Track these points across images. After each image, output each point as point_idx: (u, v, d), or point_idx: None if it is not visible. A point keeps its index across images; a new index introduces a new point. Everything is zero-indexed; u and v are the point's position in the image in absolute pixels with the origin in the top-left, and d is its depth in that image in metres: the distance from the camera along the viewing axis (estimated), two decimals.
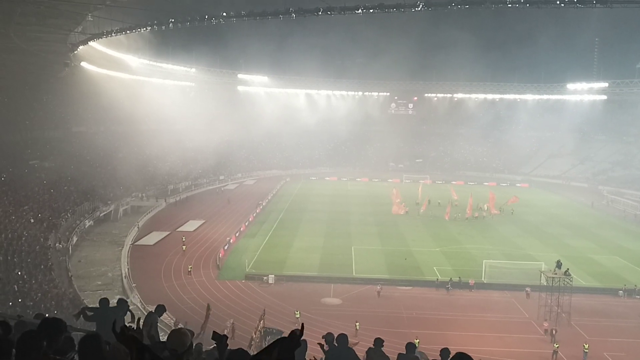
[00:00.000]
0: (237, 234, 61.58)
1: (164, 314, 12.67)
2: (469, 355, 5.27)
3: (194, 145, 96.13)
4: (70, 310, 32.42)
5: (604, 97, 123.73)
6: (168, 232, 62.87)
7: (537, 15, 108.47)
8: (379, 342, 10.22)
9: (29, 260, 40.35)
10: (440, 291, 44.62)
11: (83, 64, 74.44)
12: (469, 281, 45.42)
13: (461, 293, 44.23)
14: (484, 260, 48.54)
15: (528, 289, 43.01)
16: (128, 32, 56.24)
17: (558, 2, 42.78)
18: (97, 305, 10.44)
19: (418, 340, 31.11)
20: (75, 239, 53.87)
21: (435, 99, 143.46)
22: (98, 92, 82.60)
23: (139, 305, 38.48)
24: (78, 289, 40.41)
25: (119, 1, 47.86)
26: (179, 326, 35.12)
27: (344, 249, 56.40)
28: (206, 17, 49.29)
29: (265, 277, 46.06)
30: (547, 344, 34.32)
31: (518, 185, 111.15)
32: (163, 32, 64.54)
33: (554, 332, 35.53)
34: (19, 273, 37.07)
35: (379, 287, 43.37)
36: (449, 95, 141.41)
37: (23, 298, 32.21)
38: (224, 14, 48.88)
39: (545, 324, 36.97)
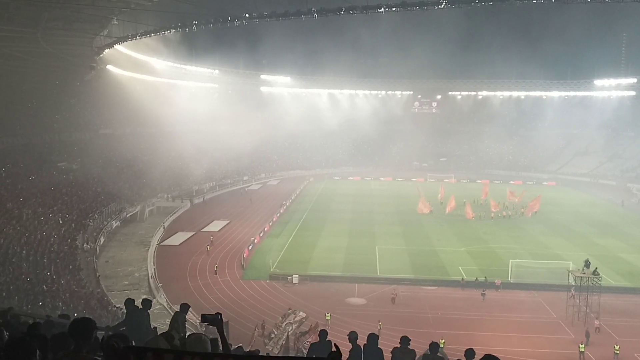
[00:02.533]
0: (261, 234, 61.83)
1: (190, 314, 12.77)
2: (496, 357, 5.18)
3: (218, 146, 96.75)
4: (98, 310, 32.94)
5: (633, 93, 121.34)
6: (193, 233, 63.41)
7: (563, 11, 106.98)
8: (405, 340, 10.17)
9: (57, 260, 41.10)
10: (466, 291, 44.13)
11: (109, 67, 75.52)
12: (495, 281, 44.87)
13: (487, 293, 43.62)
14: (510, 260, 47.95)
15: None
16: (152, 34, 56.91)
17: None
18: (124, 305, 10.63)
19: (444, 341, 30.93)
20: (102, 239, 54.66)
21: (460, 97, 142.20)
22: (124, 95, 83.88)
23: (165, 304, 38.92)
24: (105, 289, 40.99)
25: (143, 4, 48.30)
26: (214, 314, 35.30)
27: (368, 249, 56.23)
28: (229, 18, 49.56)
29: (289, 277, 46.14)
30: (575, 344, 33.67)
31: (545, 183, 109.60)
32: (187, 34, 65.33)
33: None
34: (48, 273, 37.77)
35: (393, 293, 42.07)
36: (473, 93, 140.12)
37: (52, 298, 32.76)
38: (247, 15, 49.05)
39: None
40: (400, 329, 32.23)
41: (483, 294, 42.71)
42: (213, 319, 5.46)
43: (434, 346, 10.31)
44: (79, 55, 62.68)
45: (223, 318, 5.51)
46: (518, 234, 63.86)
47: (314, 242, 59.40)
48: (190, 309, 11.18)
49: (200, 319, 5.59)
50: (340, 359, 3.71)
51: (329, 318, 36.50)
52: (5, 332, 5.43)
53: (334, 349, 3.91)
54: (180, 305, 10.77)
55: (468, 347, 9.56)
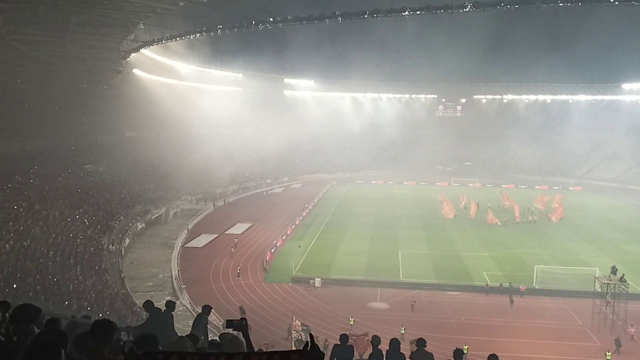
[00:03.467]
0: (283, 237, 61.94)
1: (212, 316, 12.80)
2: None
3: (241, 149, 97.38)
4: (123, 311, 33.30)
5: None
6: (216, 235, 63.80)
7: (591, 13, 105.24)
8: (421, 342, 10.02)
9: (83, 261, 41.70)
10: (491, 297, 43.59)
11: (135, 70, 76.53)
12: (520, 287, 44.24)
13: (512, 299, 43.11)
14: (535, 266, 47.23)
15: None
16: (178, 39, 57.48)
17: (612, 0, 41.35)
18: (143, 306, 10.72)
19: (467, 347, 30.55)
20: (127, 241, 55.33)
21: (485, 100, 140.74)
22: (149, 98, 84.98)
23: (188, 306, 39.20)
24: (130, 290, 41.44)
25: (169, 9, 48.87)
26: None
27: (390, 253, 55.90)
28: (253, 22, 49.81)
29: (311, 281, 46.12)
30: (602, 352, 32.95)
31: (571, 188, 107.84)
32: (211, 38, 65.79)
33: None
34: (74, 274, 38.31)
35: (412, 300, 41.39)
36: (498, 96, 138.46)
37: (78, 298, 33.23)
38: (271, 19, 49.28)
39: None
40: (423, 334, 31.77)
41: (512, 300, 42.10)
42: (238, 324, 5.46)
43: (458, 354, 10.13)
44: (106, 59, 63.67)
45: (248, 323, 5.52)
46: (543, 240, 62.89)
47: (336, 245, 59.28)
48: (212, 310, 11.22)
49: (225, 324, 5.60)
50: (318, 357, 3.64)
51: (352, 323, 36.18)
52: (36, 329, 5.50)
53: (318, 346, 3.81)
54: (203, 307, 10.81)
55: (491, 353, 9.39)
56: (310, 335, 4.74)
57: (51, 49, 53.25)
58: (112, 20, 46.20)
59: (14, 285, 32.33)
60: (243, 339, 5.14)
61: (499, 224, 69.31)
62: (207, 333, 9.69)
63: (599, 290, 38.43)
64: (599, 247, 59.61)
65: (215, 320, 34.39)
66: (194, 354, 3.60)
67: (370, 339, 17.43)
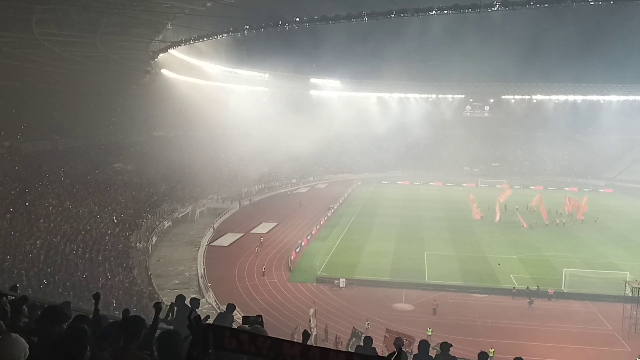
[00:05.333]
0: (308, 237, 62.03)
1: (236, 314, 12.88)
2: None
3: (267, 149, 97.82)
4: (150, 308, 33.70)
5: None
6: (242, 234, 64.21)
7: (623, 12, 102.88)
8: (445, 346, 9.91)
9: (111, 258, 42.36)
10: (518, 300, 42.98)
11: (163, 70, 77.39)
12: (548, 290, 43.53)
13: (540, 302, 42.43)
14: (564, 269, 46.39)
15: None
16: (205, 39, 57.92)
17: None
18: (174, 301, 10.84)
19: (493, 350, 30.19)
20: (154, 239, 56.02)
21: (513, 100, 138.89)
22: (177, 98, 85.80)
23: (213, 304, 39.51)
24: (157, 287, 41.94)
25: (196, 10, 49.31)
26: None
27: (416, 254, 55.57)
28: (280, 22, 49.95)
29: (336, 281, 46.09)
30: (632, 357, 32.21)
31: (601, 190, 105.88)
32: (238, 39, 66.16)
33: None
34: (102, 271, 38.94)
35: (434, 303, 40.88)
36: (527, 96, 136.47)
37: (106, 295, 33.73)
38: (297, 19, 49.36)
39: None
40: (448, 336, 31.55)
41: (530, 302, 41.75)
42: (255, 321, 5.58)
43: (483, 356, 10.01)
44: (135, 60, 64.52)
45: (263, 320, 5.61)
46: (573, 242, 61.79)
47: (361, 246, 59.15)
48: (236, 309, 11.29)
49: (242, 320, 5.71)
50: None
51: (367, 326, 35.47)
52: (64, 325, 5.57)
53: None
54: (227, 305, 10.88)
55: (517, 357, 9.23)
56: (399, 347, 4.69)
57: (82, 49, 54.16)
58: (142, 21, 46.79)
59: (44, 281, 33.01)
60: (265, 331, 5.16)
61: (528, 227, 67.89)
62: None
63: (630, 294, 37.60)
64: (630, 250, 58.28)
65: (240, 318, 34.59)
66: (266, 337, 3.53)
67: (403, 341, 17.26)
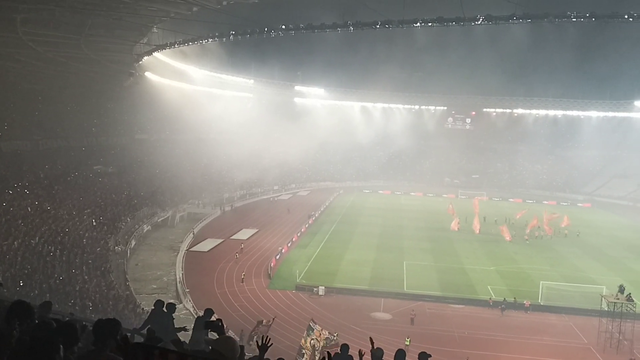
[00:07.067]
0: (289, 244, 61.98)
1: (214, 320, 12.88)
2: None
3: (250, 155, 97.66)
4: (126, 312, 33.41)
5: None
6: (222, 240, 63.93)
7: (604, 29, 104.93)
8: (423, 356, 9.93)
9: (89, 261, 41.88)
10: (494, 311, 43.37)
11: (147, 73, 77.10)
12: (525, 302, 44.00)
13: (516, 314, 42.89)
14: (541, 282, 46.89)
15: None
16: (190, 43, 57.89)
17: (626, 17, 41.28)
18: (153, 306, 10.83)
19: None
20: (133, 242, 55.55)
21: (494, 114, 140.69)
22: (160, 101, 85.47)
23: (191, 310, 39.27)
24: (134, 292, 41.56)
25: (183, 13, 49.26)
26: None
27: (395, 264, 55.78)
28: (265, 29, 50.12)
29: (315, 289, 46.08)
30: None
31: (579, 205, 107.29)
32: (224, 44, 66.21)
33: None
34: (79, 273, 38.49)
35: (412, 313, 41.01)
36: (508, 110, 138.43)
37: (82, 298, 33.37)
38: (283, 26, 49.56)
39: None
40: (425, 346, 31.75)
41: (503, 308, 42.51)
42: (215, 325, 5.75)
43: None
44: (119, 62, 64.24)
45: (224, 324, 5.75)
46: (551, 256, 62.50)
47: (341, 254, 59.23)
48: (214, 315, 11.29)
49: (204, 325, 5.89)
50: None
51: (336, 337, 34.13)
52: (30, 321, 5.50)
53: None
54: (205, 311, 10.89)
55: None
56: (328, 353, 4.84)
57: (66, 50, 53.82)
58: (127, 23, 46.63)
59: (21, 283, 32.53)
60: (236, 340, 5.23)
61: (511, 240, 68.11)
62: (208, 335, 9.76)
63: (606, 309, 38.16)
64: (607, 265, 59.13)
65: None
66: (195, 357, 3.62)
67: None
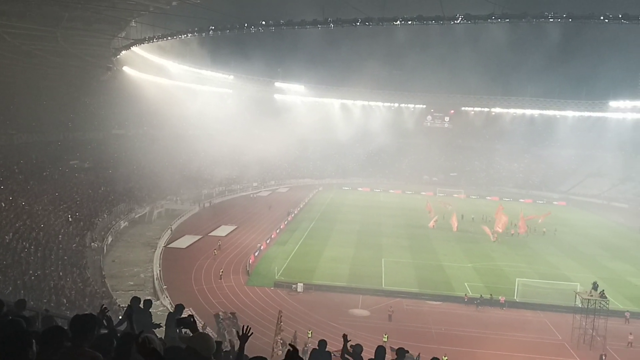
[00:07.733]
0: (268, 241, 61.88)
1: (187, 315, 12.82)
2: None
3: (229, 151, 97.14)
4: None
5: None
6: (200, 236, 63.55)
7: (580, 30, 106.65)
8: (401, 352, 10.02)
9: (65, 257, 41.32)
10: (470, 308, 43.88)
11: (125, 68, 76.21)
12: (500, 299, 44.56)
13: (492, 311, 43.44)
14: (517, 279, 47.59)
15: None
16: (169, 38, 57.36)
17: (602, 18, 41.92)
18: (129, 303, 10.74)
19: (446, 357, 30.71)
20: (110, 239, 54.91)
21: (472, 112, 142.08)
22: (138, 96, 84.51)
23: (168, 306, 38.95)
24: (110, 288, 41.13)
25: (162, 8, 48.79)
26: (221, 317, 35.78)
27: (374, 261, 56.07)
28: (245, 25, 49.85)
29: (294, 286, 46.11)
30: None
31: (555, 203, 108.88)
32: (204, 39, 65.72)
33: (603, 357, 34.36)
34: (55, 270, 37.96)
35: (390, 309, 41.11)
36: (486, 109, 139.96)
37: (57, 295, 32.94)
38: (263, 22, 49.36)
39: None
40: (403, 342, 32.01)
41: (478, 303, 43.52)
42: (187, 322, 5.76)
43: None
44: (97, 56, 63.39)
45: (197, 321, 5.76)
46: (527, 253, 63.39)
47: (320, 251, 59.32)
48: (185, 309, 11.27)
49: (175, 323, 5.90)
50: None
51: (310, 336, 34.67)
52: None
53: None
54: (175, 306, 10.85)
55: None
56: (292, 345, 4.84)
57: (42, 43, 52.95)
58: (105, 17, 46.02)
59: None
60: (211, 337, 5.19)
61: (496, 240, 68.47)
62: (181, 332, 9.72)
63: (580, 305, 38.84)
64: (581, 262, 60.19)
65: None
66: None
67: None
